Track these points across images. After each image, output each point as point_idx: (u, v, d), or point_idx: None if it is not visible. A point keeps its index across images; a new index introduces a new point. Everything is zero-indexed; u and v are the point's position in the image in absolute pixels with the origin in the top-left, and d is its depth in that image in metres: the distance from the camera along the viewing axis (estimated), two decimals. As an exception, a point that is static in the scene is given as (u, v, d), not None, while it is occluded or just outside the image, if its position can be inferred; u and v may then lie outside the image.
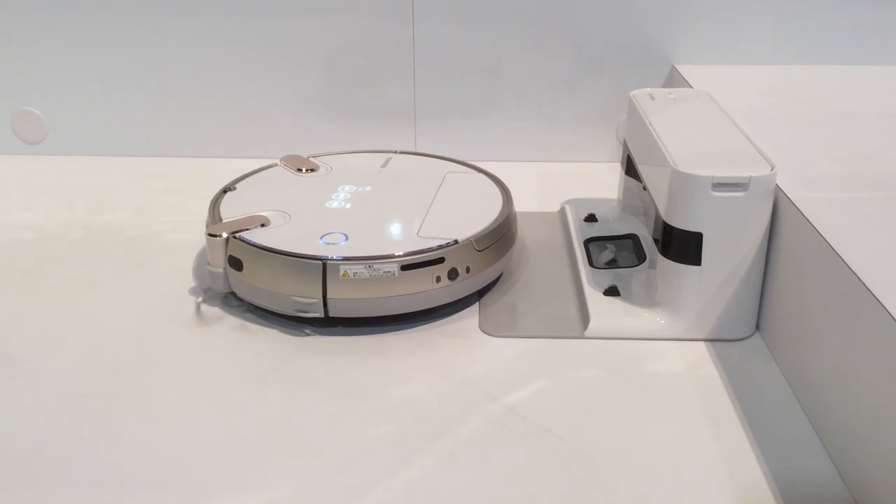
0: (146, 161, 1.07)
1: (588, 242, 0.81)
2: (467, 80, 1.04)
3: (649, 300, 0.71)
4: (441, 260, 0.69)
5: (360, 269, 0.67)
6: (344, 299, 0.67)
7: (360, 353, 0.67)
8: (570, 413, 0.60)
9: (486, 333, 0.70)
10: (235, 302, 0.73)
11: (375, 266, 0.67)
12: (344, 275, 0.67)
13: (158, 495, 0.53)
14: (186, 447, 0.57)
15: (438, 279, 0.69)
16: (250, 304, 0.71)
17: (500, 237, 0.74)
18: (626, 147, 0.85)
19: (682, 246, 0.66)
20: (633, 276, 0.75)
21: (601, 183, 0.98)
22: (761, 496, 0.52)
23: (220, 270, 0.71)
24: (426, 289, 0.69)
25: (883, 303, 0.49)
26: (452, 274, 0.69)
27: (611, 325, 0.70)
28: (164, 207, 0.93)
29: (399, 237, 0.72)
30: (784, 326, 0.65)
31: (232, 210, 0.75)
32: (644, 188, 0.77)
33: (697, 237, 0.65)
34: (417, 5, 1.00)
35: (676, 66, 1.01)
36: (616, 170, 0.91)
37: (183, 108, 1.06)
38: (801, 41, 1.01)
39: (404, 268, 0.67)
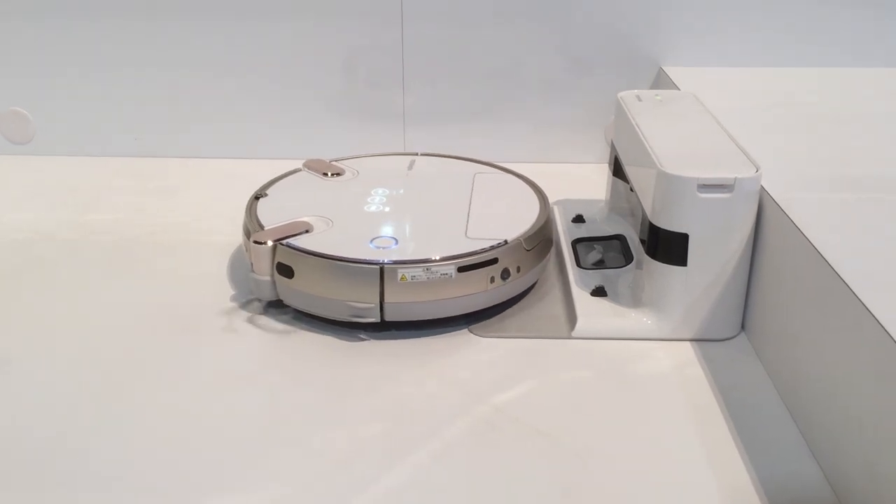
0: (135, 161, 1.06)
1: (576, 243, 0.81)
2: (456, 82, 1.04)
3: (636, 300, 0.71)
4: (495, 260, 0.69)
5: (418, 272, 0.66)
6: (401, 303, 0.67)
7: (347, 353, 0.68)
8: (558, 413, 0.60)
9: (473, 334, 0.70)
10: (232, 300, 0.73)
11: (433, 269, 0.67)
12: (402, 278, 0.66)
13: (157, 496, 0.53)
14: (179, 448, 0.57)
15: (492, 279, 0.69)
16: (297, 310, 0.71)
17: (546, 236, 0.74)
18: (613, 148, 0.86)
19: (669, 247, 0.67)
20: (620, 277, 0.75)
21: (589, 184, 0.98)
22: (746, 498, 0.53)
23: (267, 278, 0.70)
24: (481, 289, 0.69)
25: (865, 304, 0.50)
26: (505, 274, 0.69)
27: (598, 325, 0.70)
28: (155, 208, 0.93)
29: (449, 239, 0.71)
30: (769, 326, 0.66)
31: (268, 217, 0.74)
32: (631, 189, 0.78)
33: (683, 238, 0.66)
34: (406, 8, 1.00)
35: (664, 68, 1.01)
36: (604, 171, 0.91)
37: (172, 109, 1.06)
38: (787, 44, 1.02)
39: (461, 269, 0.67)
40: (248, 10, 1.01)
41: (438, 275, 0.67)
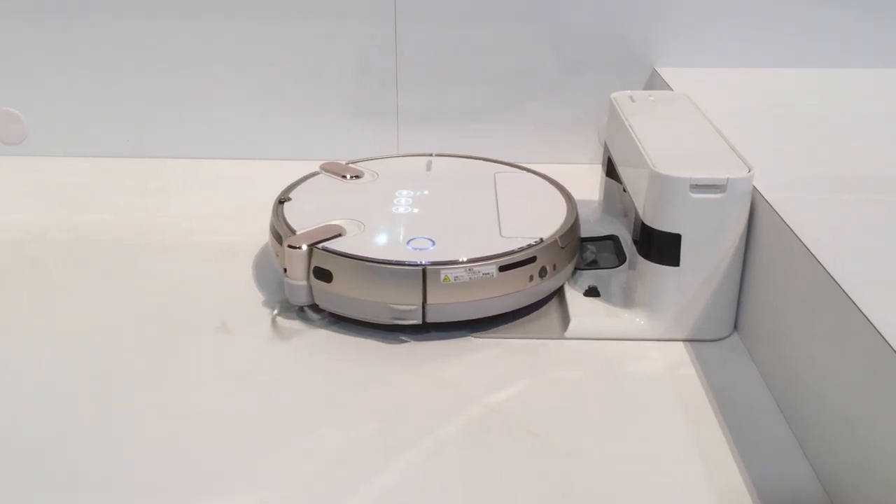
0: (128, 162, 1.06)
1: (569, 243, 0.81)
2: (449, 84, 1.04)
3: (629, 301, 0.71)
4: (533, 259, 0.69)
5: (460, 272, 0.66)
6: (443, 304, 0.67)
7: (338, 353, 0.68)
8: (551, 413, 0.60)
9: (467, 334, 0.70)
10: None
11: (475, 269, 0.67)
12: (444, 279, 0.66)
13: (155, 497, 0.53)
14: (174, 449, 0.56)
15: (531, 278, 0.69)
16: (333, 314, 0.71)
17: (576, 234, 0.75)
18: (606, 149, 0.86)
19: (661, 247, 0.67)
20: (613, 277, 0.75)
21: (583, 184, 0.98)
22: (739, 498, 0.53)
23: (303, 283, 0.69)
24: (521, 288, 0.69)
25: (857, 304, 0.50)
26: (543, 272, 0.70)
27: (591, 325, 0.70)
28: (147, 209, 0.93)
29: (485, 239, 0.71)
30: (761, 326, 0.66)
31: (297, 220, 0.73)
32: (624, 190, 0.78)
33: (676, 238, 0.66)
34: (400, 8, 1.00)
35: (657, 69, 1.01)
36: (597, 171, 0.91)
37: (165, 109, 1.06)
38: (780, 44, 1.02)
39: (502, 269, 0.67)
40: (243, 10, 1.01)
41: (480, 275, 0.67)
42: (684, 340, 0.69)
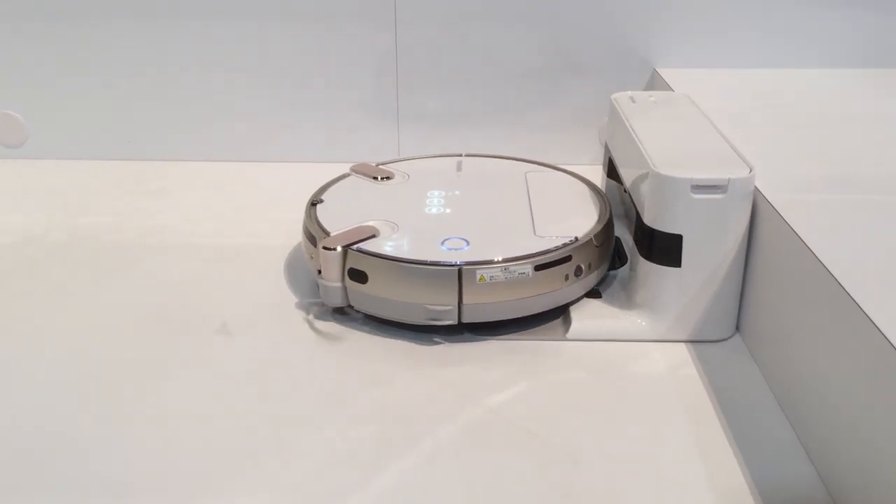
0: (128, 164, 1.06)
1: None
2: (449, 84, 1.04)
3: (630, 302, 0.71)
4: (569, 258, 0.69)
5: (496, 272, 0.66)
6: (479, 304, 0.67)
7: (339, 354, 0.67)
8: (552, 415, 0.60)
9: (469, 334, 0.70)
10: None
11: (511, 268, 0.66)
12: (480, 279, 0.66)
13: (155, 497, 0.53)
14: (174, 450, 0.56)
15: (567, 277, 0.69)
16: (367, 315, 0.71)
17: (610, 232, 0.74)
18: (607, 149, 0.86)
19: (662, 248, 0.67)
20: (614, 278, 0.75)
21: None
22: (741, 498, 0.53)
23: (338, 284, 0.69)
24: (556, 287, 0.69)
25: (860, 304, 0.50)
26: (578, 271, 0.69)
27: (592, 326, 0.70)
28: (147, 211, 0.93)
29: (519, 238, 0.70)
30: (763, 327, 0.66)
31: (330, 222, 0.73)
32: (625, 191, 0.78)
33: (677, 239, 0.66)
34: (400, 11, 1.00)
35: (658, 70, 1.01)
36: (598, 172, 0.91)
37: (165, 112, 1.06)
38: (781, 46, 1.02)
39: (537, 268, 0.67)
40: (243, 13, 1.01)
41: (516, 274, 0.66)
42: (686, 341, 0.69)
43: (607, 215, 0.74)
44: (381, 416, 0.60)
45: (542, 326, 0.71)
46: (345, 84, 1.04)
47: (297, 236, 0.77)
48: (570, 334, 0.69)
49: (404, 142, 1.07)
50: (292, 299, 0.74)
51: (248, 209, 0.93)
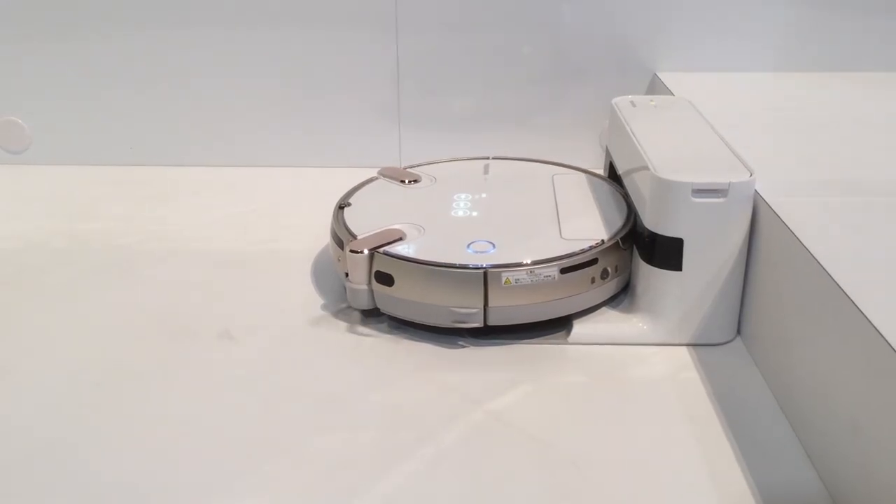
0: (130, 170, 1.06)
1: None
2: (450, 88, 1.04)
3: (632, 306, 0.71)
4: (595, 261, 0.69)
5: (521, 275, 0.66)
6: (505, 307, 0.67)
7: (339, 356, 0.68)
8: (553, 419, 0.60)
9: (469, 338, 0.70)
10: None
11: (537, 271, 0.66)
12: (506, 282, 0.66)
13: (156, 501, 0.53)
14: (174, 455, 0.56)
15: (593, 280, 0.69)
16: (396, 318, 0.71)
17: (635, 235, 0.74)
18: (608, 154, 0.86)
19: (663, 252, 0.67)
20: (615, 282, 0.75)
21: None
22: (742, 502, 0.53)
23: (364, 287, 0.69)
24: (582, 290, 0.69)
25: (860, 307, 0.50)
26: (604, 274, 0.69)
27: (594, 330, 0.70)
28: (149, 217, 0.93)
29: (545, 241, 0.70)
30: (764, 331, 0.66)
31: (358, 225, 0.73)
32: (625, 195, 0.78)
33: (678, 243, 0.66)
34: (401, 15, 1.00)
35: (658, 74, 1.01)
36: (599, 176, 0.91)
37: (167, 117, 1.06)
38: (781, 49, 1.02)
39: (563, 271, 0.67)
40: (243, 17, 1.01)
41: (542, 277, 0.66)
42: (687, 345, 0.69)
43: (633, 218, 0.74)
44: (382, 420, 0.60)
45: (544, 330, 0.71)
46: (348, 90, 1.04)
47: (302, 240, 0.77)
48: (571, 338, 0.70)
49: (405, 145, 1.07)
50: (300, 303, 0.75)
51: (250, 214, 0.93)
